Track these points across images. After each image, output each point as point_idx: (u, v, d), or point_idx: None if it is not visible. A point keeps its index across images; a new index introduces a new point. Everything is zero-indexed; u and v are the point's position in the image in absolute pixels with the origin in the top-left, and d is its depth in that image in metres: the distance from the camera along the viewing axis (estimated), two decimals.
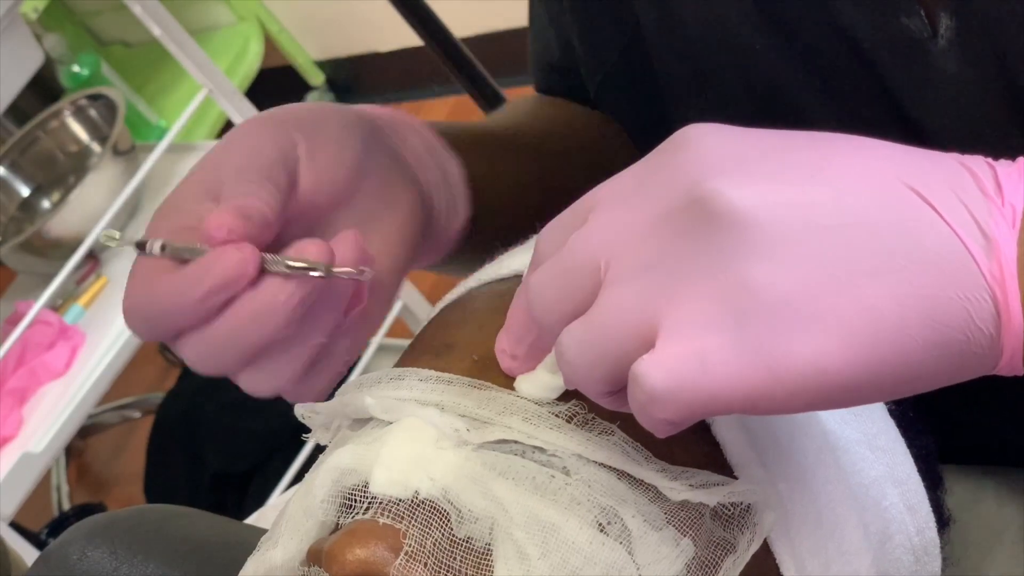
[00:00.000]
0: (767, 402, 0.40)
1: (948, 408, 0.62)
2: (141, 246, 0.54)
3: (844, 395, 0.40)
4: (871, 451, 0.55)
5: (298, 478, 0.52)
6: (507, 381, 0.52)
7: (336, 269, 0.51)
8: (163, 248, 0.53)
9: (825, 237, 0.39)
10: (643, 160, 0.44)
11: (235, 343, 0.51)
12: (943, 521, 0.59)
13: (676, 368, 0.40)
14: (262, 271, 0.51)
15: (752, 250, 0.39)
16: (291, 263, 0.51)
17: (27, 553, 1.58)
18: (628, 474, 0.49)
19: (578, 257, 0.43)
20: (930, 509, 0.57)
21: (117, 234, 0.58)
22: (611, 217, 0.43)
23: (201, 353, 0.52)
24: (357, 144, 0.58)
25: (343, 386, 0.56)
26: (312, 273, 0.50)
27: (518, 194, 0.70)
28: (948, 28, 0.55)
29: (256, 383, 0.53)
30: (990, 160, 0.42)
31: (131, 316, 0.54)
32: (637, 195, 0.43)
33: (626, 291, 0.42)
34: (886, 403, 0.58)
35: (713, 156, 0.41)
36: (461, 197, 0.65)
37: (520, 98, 0.85)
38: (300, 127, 0.56)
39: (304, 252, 0.51)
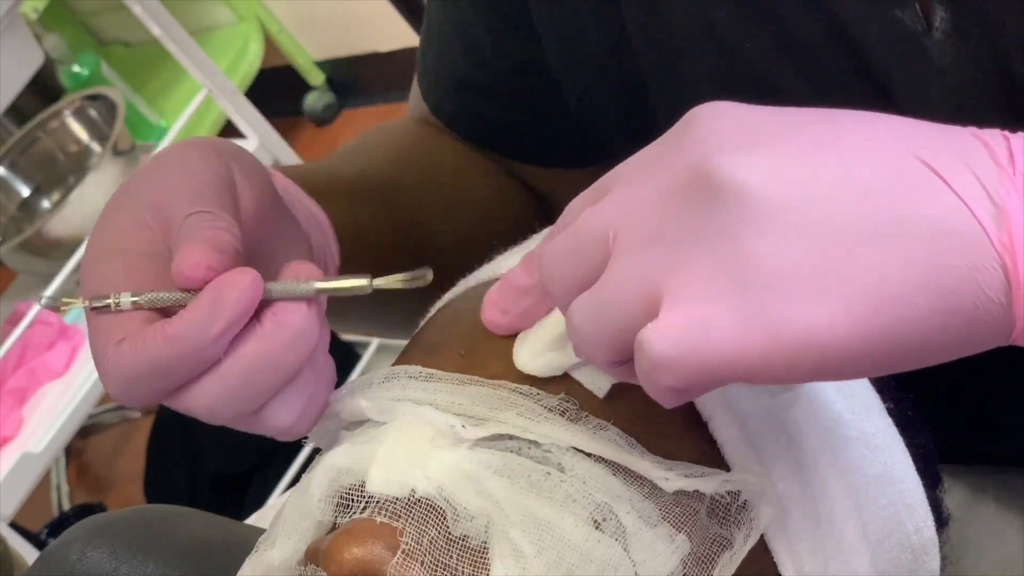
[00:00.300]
0: (769, 370, 0.40)
1: (947, 407, 0.62)
2: (99, 304, 0.49)
3: (848, 364, 0.40)
4: (869, 450, 0.55)
5: (297, 479, 0.53)
6: (494, 374, 0.52)
7: (356, 282, 0.50)
8: (134, 302, 0.49)
9: (829, 207, 0.39)
10: (659, 139, 0.45)
11: (265, 375, 0.50)
12: (942, 520, 0.59)
13: (679, 335, 0.41)
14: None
15: (755, 222, 0.40)
16: (322, 284, 0.50)
17: (27, 553, 1.58)
18: (623, 470, 0.49)
19: (588, 229, 0.44)
20: (928, 508, 0.57)
21: (68, 300, 0.52)
22: (623, 191, 0.44)
23: (220, 396, 0.50)
24: (267, 175, 0.57)
25: (335, 392, 0.56)
26: (338, 290, 0.50)
27: (377, 242, 0.70)
28: (943, 20, 0.55)
29: (279, 415, 0.52)
30: (1006, 132, 0.41)
31: (120, 381, 0.50)
32: (648, 170, 0.43)
33: (632, 262, 0.42)
34: (884, 402, 0.58)
35: (721, 132, 0.42)
36: (332, 239, 0.64)
37: (380, 130, 0.82)
38: (226, 154, 0.55)
39: (305, 273, 0.51)
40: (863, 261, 0.39)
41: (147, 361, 0.49)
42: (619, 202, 0.44)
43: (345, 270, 0.64)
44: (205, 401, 0.50)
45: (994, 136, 0.41)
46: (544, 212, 0.81)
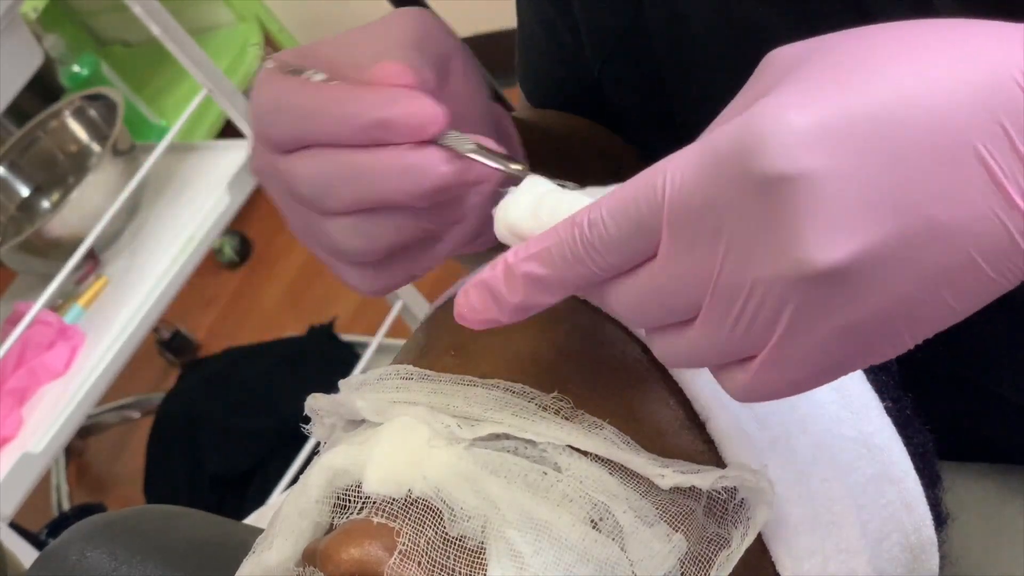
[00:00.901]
0: None
1: (947, 405, 0.62)
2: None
3: None
4: (868, 449, 0.55)
5: (297, 479, 0.53)
6: (484, 373, 0.52)
7: (513, 166, 0.49)
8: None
9: (910, 270, 0.39)
10: (716, 172, 0.40)
11: (365, 182, 0.49)
12: (941, 519, 0.59)
13: (769, 390, 0.42)
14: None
15: (847, 302, 0.39)
16: (470, 147, 0.48)
17: (27, 553, 1.58)
18: (619, 469, 0.49)
19: (681, 298, 0.42)
20: (927, 507, 0.57)
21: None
22: (704, 262, 0.41)
23: (321, 175, 0.50)
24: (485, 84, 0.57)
25: (342, 382, 0.56)
26: (491, 164, 0.49)
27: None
28: None
29: (349, 234, 0.51)
30: None
31: (265, 104, 0.50)
32: (725, 239, 0.40)
33: (727, 336, 0.42)
34: (883, 401, 0.58)
35: (810, 216, 0.39)
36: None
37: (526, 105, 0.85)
38: (454, 41, 0.55)
39: (484, 143, 0.50)
40: (938, 305, 0.40)
41: (300, 100, 0.49)
42: (705, 274, 0.41)
43: None
44: (303, 170, 0.50)
45: None
46: None
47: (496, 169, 0.50)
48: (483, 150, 0.49)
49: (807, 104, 0.39)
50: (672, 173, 0.41)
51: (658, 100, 0.66)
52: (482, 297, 0.45)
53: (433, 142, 0.49)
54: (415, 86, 0.49)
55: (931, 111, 0.38)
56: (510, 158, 0.50)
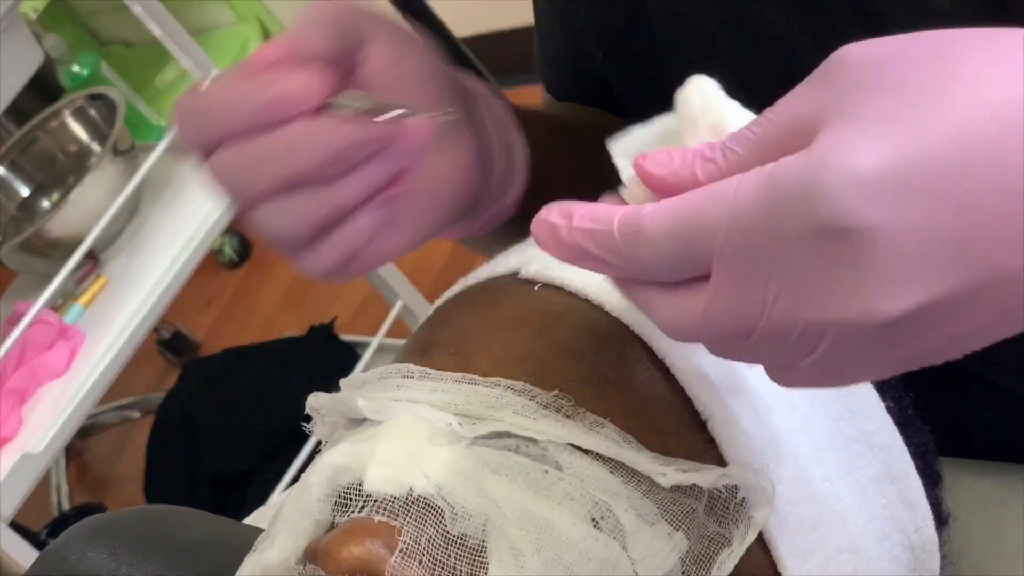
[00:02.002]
0: None
1: (950, 398, 0.63)
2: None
3: None
4: (868, 449, 0.55)
5: (298, 478, 0.53)
6: (485, 371, 0.52)
7: (398, 110, 0.50)
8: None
9: (972, 315, 0.39)
10: (777, 212, 0.39)
11: (267, 165, 0.51)
12: (942, 519, 0.59)
13: (802, 385, 0.44)
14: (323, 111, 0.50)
15: (901, 343, 0.39)
16: (360, 105, 0.49)
17: (27, 553, 1.59)
18: (620, 468, 0.49)
19: (727, 328, 0.42)
20: (928, 507, 0.57)
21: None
22: (755, 298, 0.40)
23: (231, 167, 0.51)
24: (440, 73, 0.58)
25: (343, 381, 0.56)
26: (390, 115, 0.50)
27: (575, 182, 0.70)
28: None
29: (271, 219, 0.52)
30: None
31: (185, 106, 0.53)
32: (779, 278, 0.40)
33: (770, 354, 0.42)
34: (884, 401, 0.58)
35: (875, 268, 0.38)
36: (520, 173, 0.65)
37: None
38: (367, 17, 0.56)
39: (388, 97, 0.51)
40: (978, 338, 0.40)
41: (201, 102, 0.52)
42: (761, 304, 0.40)
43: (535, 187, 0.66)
44: (220, 167, 0.52)
45: None
46: None
47: (394, 118, 0.51)
48: (371, 101, 0.50)
49: (874, 145, 0.38)
50: (730, 203, 0.40)
51: (659, 91, 0.67)
52: (543, 232, 0.46)
53: (329, 110, 0.50)
54: (290, 60, 0.51)
55: (999, 146, 0.37)
56: (398, 105, 0.51)
